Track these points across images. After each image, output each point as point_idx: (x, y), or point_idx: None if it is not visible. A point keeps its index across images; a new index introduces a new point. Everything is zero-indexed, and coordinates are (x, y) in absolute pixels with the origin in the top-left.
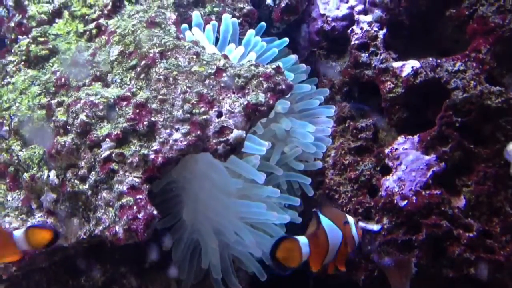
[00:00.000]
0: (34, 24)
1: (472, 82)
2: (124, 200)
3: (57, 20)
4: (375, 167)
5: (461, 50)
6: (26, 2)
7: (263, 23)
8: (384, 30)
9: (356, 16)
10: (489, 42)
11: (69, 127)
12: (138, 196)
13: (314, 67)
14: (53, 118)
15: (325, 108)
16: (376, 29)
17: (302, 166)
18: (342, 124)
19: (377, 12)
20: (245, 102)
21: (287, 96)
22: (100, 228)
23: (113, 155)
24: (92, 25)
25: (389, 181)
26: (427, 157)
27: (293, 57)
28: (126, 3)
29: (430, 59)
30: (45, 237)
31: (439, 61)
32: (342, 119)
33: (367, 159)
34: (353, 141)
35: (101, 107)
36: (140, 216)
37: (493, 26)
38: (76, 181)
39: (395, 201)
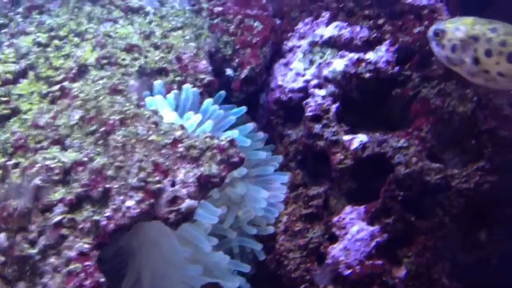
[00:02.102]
0: None
1: (414, 158)
2: (72, 267)
3: (21, 80)
4: (324, 235)
5: (407, 126)
6: None
7: (223, 92)
8: (337, 104)
9: (311, 90)
10: (430, 122)
11: (22, 190)
12: (86, 263)
13: (271, 135)
14: (7, 180)
15: (279, 175)
16: (329, 102)
17: (254, 231)
18: (295, 191)
19: (330, 87)
20: (199, 173)
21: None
22: None
23: (65, 220)
24: (56, 87)
25: (336, 250)
26: (371, 228)
27: (251, 125)
28: (91, 68)
29: (377, 134)
30: None
31: (385, 137)
32: (295, 186)
33: (316, 227)
34: (305, 208)
35: (56, 171)
36: (86, 283)
37: (434, 107)
38: (25, 245)
39: (340, 270)
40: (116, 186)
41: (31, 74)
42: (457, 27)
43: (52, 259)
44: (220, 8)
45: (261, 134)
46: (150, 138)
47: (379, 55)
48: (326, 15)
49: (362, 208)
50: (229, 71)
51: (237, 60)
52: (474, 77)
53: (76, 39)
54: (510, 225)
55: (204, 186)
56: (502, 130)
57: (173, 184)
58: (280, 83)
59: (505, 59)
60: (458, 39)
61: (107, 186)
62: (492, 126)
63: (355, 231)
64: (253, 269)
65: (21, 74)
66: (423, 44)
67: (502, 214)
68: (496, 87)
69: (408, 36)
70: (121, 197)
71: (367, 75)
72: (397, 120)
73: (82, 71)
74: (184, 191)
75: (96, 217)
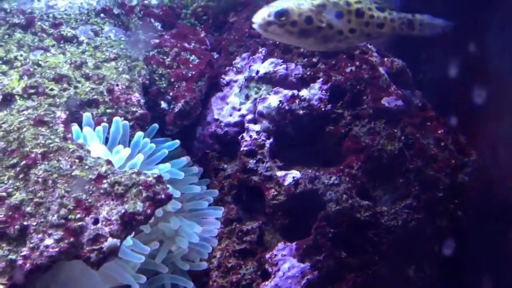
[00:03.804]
0: None
1: (344, 195)
2: None
3: None
4: (257, 271)
5: (339, 163)
6: None
7: (155, 125)
8: (271, 140)
9: (247, 124)
10: (361, 159)
11: None
12: None
13: (206, 168)
14: None
15: (213, 210)
16: (264, 138)
17: (187, 266)
18: (229, 225)
19: (265, 123)
20: (123, 211)
21: (177, 196)
22: None
23: None
24: None
25: (267, 287)
26: (302, 265)
27: (185, 159)
28: (17, 98)
29: (310, 171)
30: None
31: (317, 173)
32: (229, 221)
33: (249, 263)
34: (238, 244)
35: None
36: None
37: (364, 145)
38: None
39: None
40: (34, 223)
41: None
42: (298, 4)
43: None
44: (156, 40)
45: (195, 169)
46: (73, 173)
47: (313, 92)
48: (262, 51)
49: (294, 245)
50: (163, 104)
51: (171, 93)
52: (328, 41)
53: (4, 67)
54: (437, 262)
55: (128, 224)
56: (428, 169)
57: (95, 222)
58: (216, 116)
59: (354, 15)
60: (308, 12)
61: (25, 223)
62: (419, 165)
63: (287, 268)
64: None
65: None
66: (355, 83)
67: (429, 251)
68: (346, 46)
69: (340, 75)
70: (40, 235)
71: (301, 111)
72: (331, 156)
73: (7, 100)
74: (106, 229)
75: (11, 256)
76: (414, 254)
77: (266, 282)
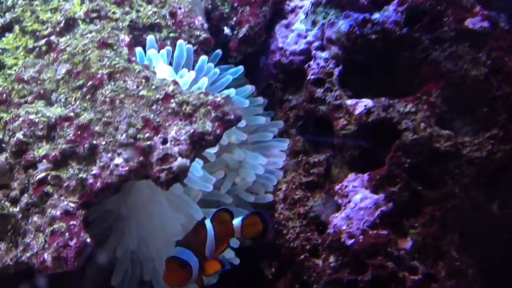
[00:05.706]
0: None
1: (422, 124)
2: (56, 226)
3: (6, 34)
4: (325, 203)
5: (415, 91)
6: None
7: (219, 51)
8: (340, 67)
9: (313, 52)
10: (440, 86)
11: (4, 145)
12: (71, 222)
13: (270, 100)
14: None
15: (278, 142)
16: (332, 65)
17: (252, 198)
18: (295, 158)
19: (334, 49)
20: (192, 130)
21: (242, 126)
22: (28, 254)
23: (49, 177)
24: (42, 42)
25: (338, 219)
26: (375, 196)
27: (249, 87)
28: (79, 22)
29: (383, 99)
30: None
31: (391, 101)
32: (295, 153)
33: (317, 195)
34: (305, 176)
35: (40, 126)
36: (71, 243)
37: (445, 71)
38: (6, 203)
39: (343, 239)
40: (103, 142)
41: (16, 28)
42: None
43: (35, 218)
44: None
45: (260, 99)
46: (140, 93)
47: (387, 15)
48: None
49: (366, 176)
50: (226, 30)
51: (235, 19)
52: None
53: None
54: None
55: (197, 144)
56: None
57: (164, 142)
58: (280, 45)
59: None
60: None
61: (94, 142)
62: (507, 92)
63: (359, 199)
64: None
65: (6, 28)
66: (435, 4)
67: None
68: None
69: None
70: (109, 154)
71: (373, 36)
72: (405, 85)
73: (70, 24)
74: (175, 149)
75: (82, 175)
76: (499, 189)
77: (336, 214)
